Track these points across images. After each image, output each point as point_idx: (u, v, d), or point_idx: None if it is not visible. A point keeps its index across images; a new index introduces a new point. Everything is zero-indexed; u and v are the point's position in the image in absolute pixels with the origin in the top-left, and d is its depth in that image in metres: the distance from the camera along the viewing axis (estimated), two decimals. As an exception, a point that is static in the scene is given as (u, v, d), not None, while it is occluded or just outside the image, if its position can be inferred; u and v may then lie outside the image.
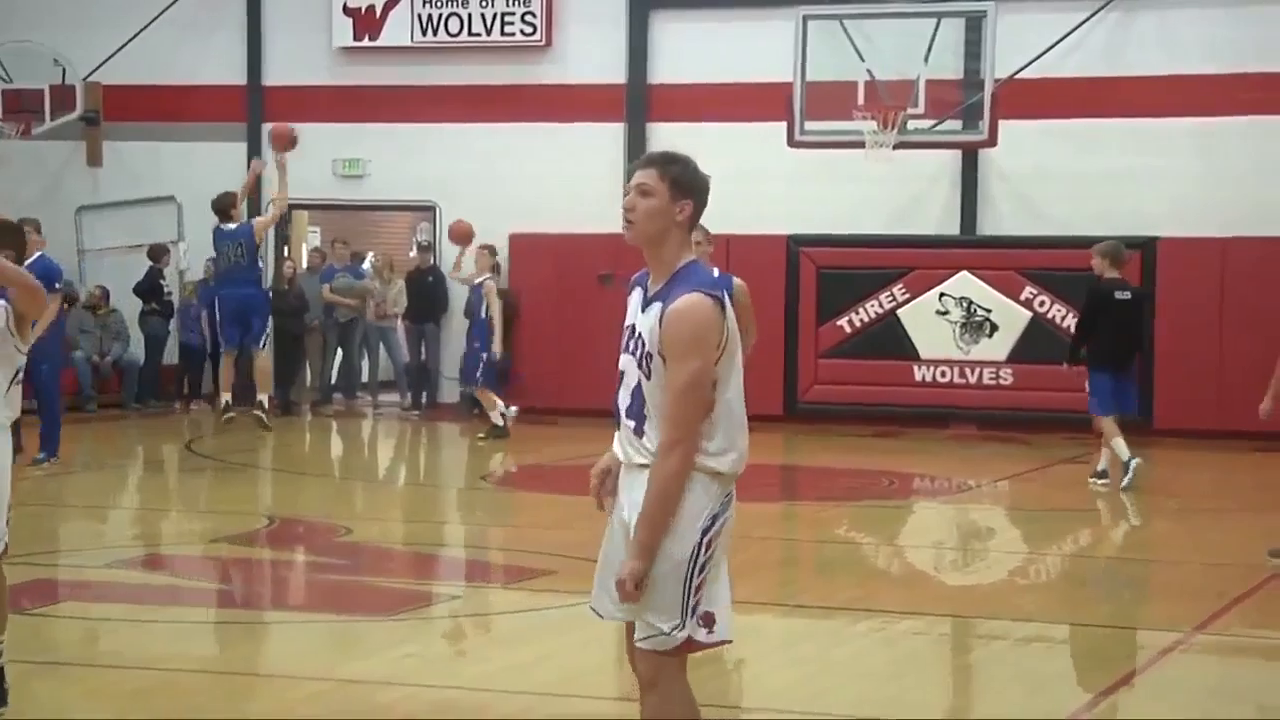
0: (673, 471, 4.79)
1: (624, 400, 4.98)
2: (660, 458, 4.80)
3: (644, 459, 4.90)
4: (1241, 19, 19.22)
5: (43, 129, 21.84)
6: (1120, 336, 14.26)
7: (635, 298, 5.05)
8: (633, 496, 4.94)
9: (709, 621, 4.86)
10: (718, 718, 5.20)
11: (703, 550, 4.81)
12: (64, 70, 21.93)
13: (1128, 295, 14.44)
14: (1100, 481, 14.34)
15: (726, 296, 4.88)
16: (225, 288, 16.13)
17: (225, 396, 15.85)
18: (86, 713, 7.02)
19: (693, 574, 4.80)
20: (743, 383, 4.96)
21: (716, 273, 5.31)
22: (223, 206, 16.03)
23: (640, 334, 4.92)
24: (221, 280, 16.30)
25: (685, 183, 4.94)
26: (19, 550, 11.14)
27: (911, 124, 18.33)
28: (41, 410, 14.52)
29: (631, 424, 4.95)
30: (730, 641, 4.97)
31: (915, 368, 19.42)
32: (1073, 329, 15.03)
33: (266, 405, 15.73)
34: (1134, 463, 13.92)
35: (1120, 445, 14.02)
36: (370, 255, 23.64)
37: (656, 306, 4.89)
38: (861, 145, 18.18)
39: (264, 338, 16.11)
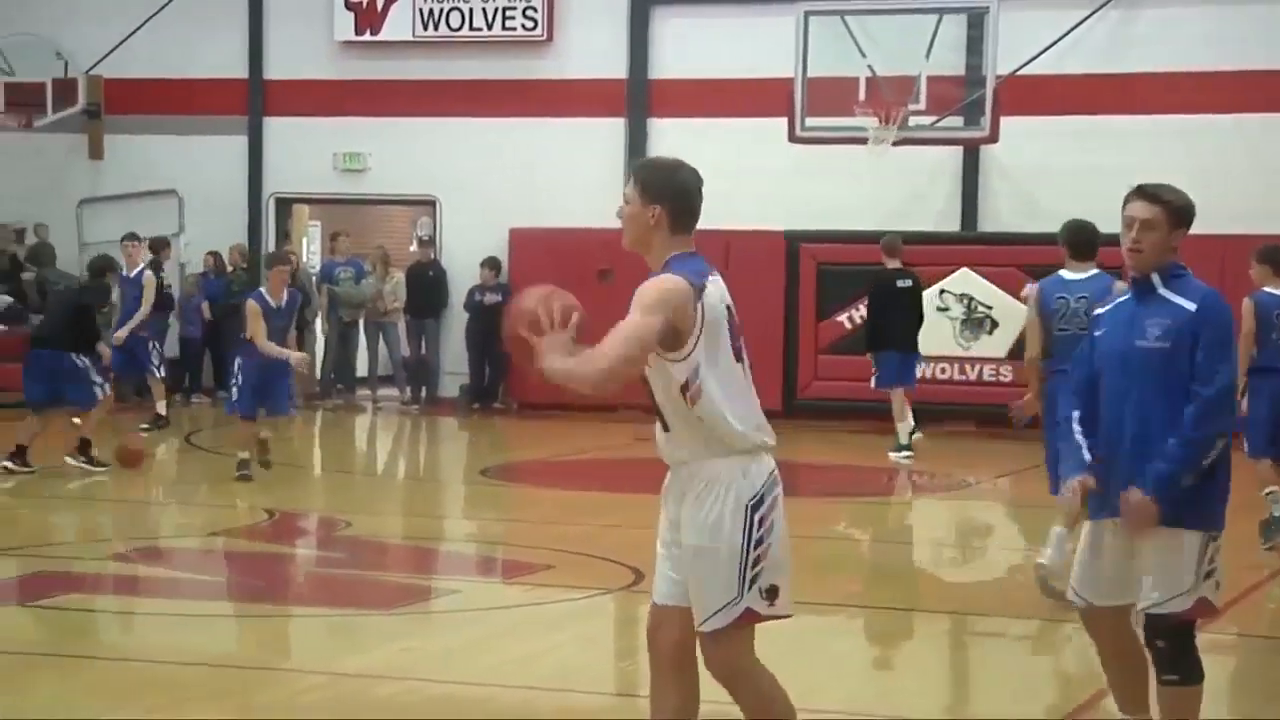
0: (589, 376, 4.83)
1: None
2: (591, 364, 4.82)
3: (678, 457, 5.07)
4: (1244, 15, 19.20)
5: (44, 122, 21.84)
6: (904, 319, 16.29)
7: None
8: (677, 492, 5.10)
9: (773, 594, 5.05)
10: (712, 715, 5.21)
11: (756, 526, 5.01)
12: (66, 63, 21.93)
13: (908, 283, 16.44)
14: (903, 455, 15.98)
15: (710, 284, 4.98)
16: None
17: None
18: (86, 706, 7.03)
19: (748, 549, 4.99)
20: (738, 363, 5.05)
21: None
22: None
23: None
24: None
25: (653, 187, 5.05)
26: (20, 542, 11.19)
27: (913, 120, 18.31)
28: None
29: (658, 424, 5.13)
30: (790, 616, 5.15)
31: (915, 364, 19.39)
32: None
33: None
34: (914, 435, 15.85)
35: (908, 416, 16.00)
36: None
37: None
38: (862, 141, 18.17)
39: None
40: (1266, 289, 11.14)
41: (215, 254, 21.77)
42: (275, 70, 22.21)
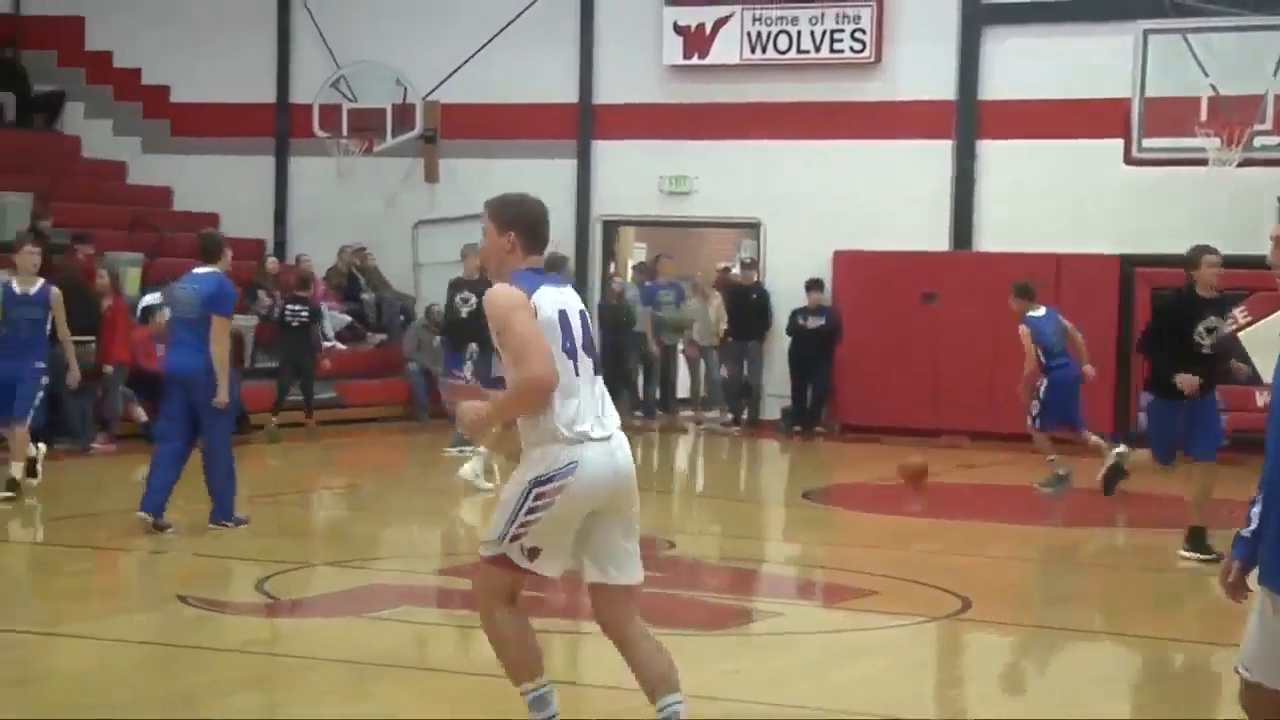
0: (513, 396, 5.83)
1: None
2: (510, 388, 5.88)
3: (524, 444, 5.87)
4: None
5: (384, 146, 22.62)
6: None
7: None
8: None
9: (533, 555, 5.85)
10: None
11: (529, 496, 5.77)
12: (405, 90, 22.68)
13: None
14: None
15: (542, 292, 5.93)
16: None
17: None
18: (419, 714, 7.18)
19: (519, 511, 5.79)
20: (569, 360, 5.83)
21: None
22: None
23: None
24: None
25: (504, 218, 6.13)
26: (355, 555, 11.54)
27: (1258, 140, 17.64)
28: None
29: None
30: (551, 578, 6.04)
31: (1256, 393, 18.62)
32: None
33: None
34: None
35: None
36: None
37: None
38: (1203, 162, 17.57)
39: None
40: (1030, 314, 14.84)
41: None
42: (604, 95, 22.55)
